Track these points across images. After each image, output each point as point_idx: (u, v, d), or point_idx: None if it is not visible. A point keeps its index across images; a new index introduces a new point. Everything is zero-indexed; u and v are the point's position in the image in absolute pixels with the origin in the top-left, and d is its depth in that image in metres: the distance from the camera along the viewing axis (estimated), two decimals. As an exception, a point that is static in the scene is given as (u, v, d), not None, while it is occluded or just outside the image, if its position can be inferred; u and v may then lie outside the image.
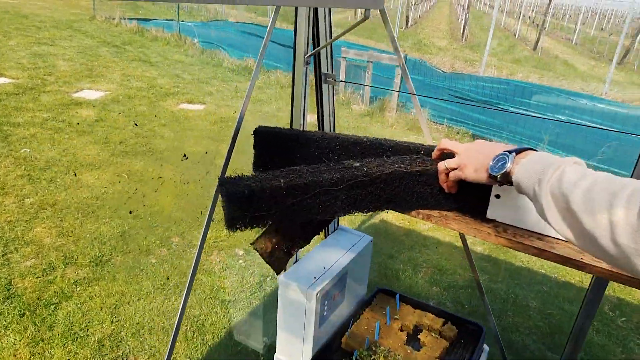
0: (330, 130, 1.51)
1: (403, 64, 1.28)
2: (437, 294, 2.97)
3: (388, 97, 6.90)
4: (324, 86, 1.42)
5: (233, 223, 0.98)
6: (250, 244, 1.12)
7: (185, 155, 4.34)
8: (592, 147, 4.80)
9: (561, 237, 1.02)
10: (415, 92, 1.28)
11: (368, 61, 6.56)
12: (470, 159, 0.94)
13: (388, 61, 6.63)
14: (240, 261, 3.11)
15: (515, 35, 16.93)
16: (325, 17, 1.33)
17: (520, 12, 19.44)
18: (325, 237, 1.85)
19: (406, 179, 1.05)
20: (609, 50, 14.54)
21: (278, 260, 1.19)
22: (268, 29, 1.22)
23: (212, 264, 3.05)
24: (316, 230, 1.18)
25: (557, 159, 0.78)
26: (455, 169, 0.99)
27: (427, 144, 1.16)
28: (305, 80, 1.31)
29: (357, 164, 1.03)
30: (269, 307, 2.74)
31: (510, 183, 0.85)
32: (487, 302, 1.75)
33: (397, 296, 1.85)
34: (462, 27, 15.60)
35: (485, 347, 1.74)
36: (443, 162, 1.02)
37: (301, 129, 1.39)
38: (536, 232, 1.06)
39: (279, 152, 1.19)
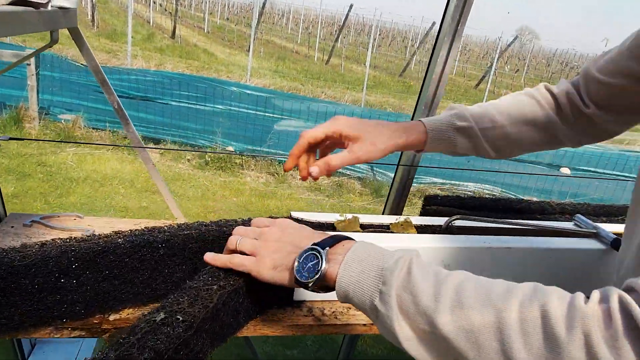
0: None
1: (117, 102, 0.83)
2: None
3: (23, 102, 5.49)
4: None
5: None
6: None
7: None
8: (261, 134, 5.22)
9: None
10: (141, 143, 0.86)
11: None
12: (268, 249, 0.64)
13: (11, 58, 5.24)
14: None
15: (149, 22, 16.69)
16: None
17: (149, -1, 19.26)
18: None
19: (232, 299, 0.68)
20: (238, 39, 16.33)
21: None
22: None
23: None
24: None
25: (391, 253, 0.56)
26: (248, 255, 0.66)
27: (210, 223, 0.80)
28: None
29: (163, 315, 0.58)
30: None
31: (329, 289, 0.60)
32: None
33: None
34: (90, 13, 14.16)
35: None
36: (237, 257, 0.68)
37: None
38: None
39: None
